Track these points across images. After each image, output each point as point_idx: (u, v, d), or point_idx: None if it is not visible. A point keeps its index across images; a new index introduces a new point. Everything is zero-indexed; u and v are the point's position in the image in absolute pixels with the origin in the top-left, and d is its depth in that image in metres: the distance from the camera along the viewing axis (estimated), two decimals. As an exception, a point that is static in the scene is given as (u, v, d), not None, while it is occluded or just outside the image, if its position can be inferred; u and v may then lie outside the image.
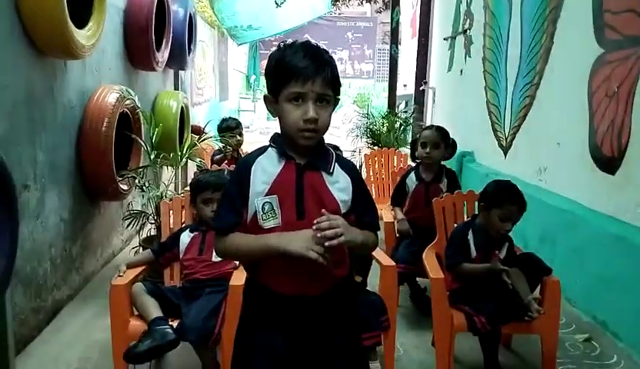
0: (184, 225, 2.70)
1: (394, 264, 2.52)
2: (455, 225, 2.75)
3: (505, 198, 2.39)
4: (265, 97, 1.45)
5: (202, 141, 4.09)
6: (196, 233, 2.54)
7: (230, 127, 4.37)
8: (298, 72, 1.34)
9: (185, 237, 2.55)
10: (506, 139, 4.79)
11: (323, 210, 1.33)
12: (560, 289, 2.38)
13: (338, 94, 1.43)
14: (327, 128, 1.41)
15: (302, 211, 1.38)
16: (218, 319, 2.24)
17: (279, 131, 1.46)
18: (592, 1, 3.35)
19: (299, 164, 1.41)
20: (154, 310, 2.25)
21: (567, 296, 3.21)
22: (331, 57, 1.42)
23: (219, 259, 2.48)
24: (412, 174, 3.38)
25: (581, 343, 2.87)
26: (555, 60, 3.92)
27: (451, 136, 3.39)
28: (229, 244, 1.43)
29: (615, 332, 2.91)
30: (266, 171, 1.42)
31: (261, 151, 1.47)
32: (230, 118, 4.68)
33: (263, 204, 1.39)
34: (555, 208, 3.63)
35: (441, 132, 3.31)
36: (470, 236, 2.47)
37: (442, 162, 3.37)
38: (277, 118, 1.43)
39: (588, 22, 3.36)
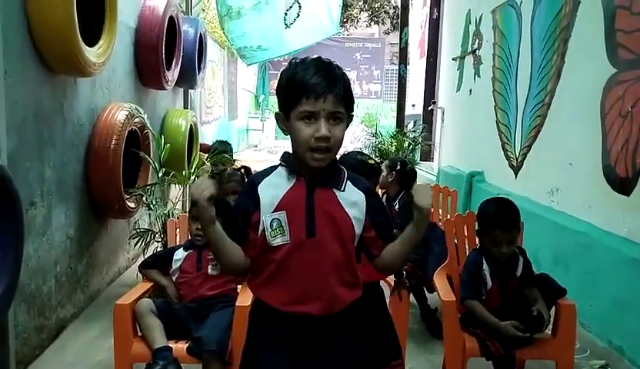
0: (177, 244, 2.66)
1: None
2: (469, 252, 2.68)
3: (486, 223, 2.34)
4: (276, 114, 1.41)
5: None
6: (191, 251, 2.49)
7: (221, 151, 4.17)
8: (309, 90, 1.30)
9: (179, 255, 2.50)
10: (517, 159, 4.73)
11: None
12: (575, 313, 2.31)
13: (352, 111, 1.38)
14: (340, 146, 1.37)
15: (313, 229, 1.35)
16: (231, 335, 2.18)
17: (289, 149, 1.42)
18: (604, 20, 3.33)
19: (310, 180, 1.37)
20: (158, 336, 2.18)
21: (581, 320, 3.11)
22: (343, 72, 1.39)
23: (215, 272, 2.43)
24: None
25: (597, 369, 2.78)
26: (567, 79, 3.88)
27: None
28: None
29: (633, 359, 2.81)
30: (276, 188, 1.38)
31: (271, 169, 1.44)
32: (219, 141, 4.64)
33: (271, 221, 1.35)
34: (567, 230, 3.55)
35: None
36: (485, 266, 2.35)
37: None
38: (288, 136, 1.39)
39: (601, 41, 3.33)
